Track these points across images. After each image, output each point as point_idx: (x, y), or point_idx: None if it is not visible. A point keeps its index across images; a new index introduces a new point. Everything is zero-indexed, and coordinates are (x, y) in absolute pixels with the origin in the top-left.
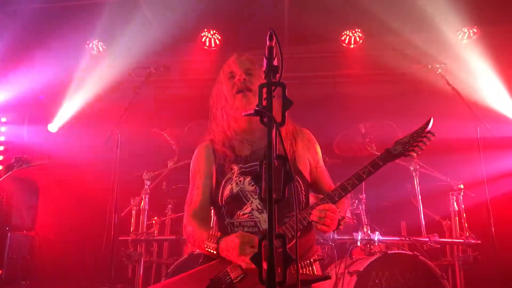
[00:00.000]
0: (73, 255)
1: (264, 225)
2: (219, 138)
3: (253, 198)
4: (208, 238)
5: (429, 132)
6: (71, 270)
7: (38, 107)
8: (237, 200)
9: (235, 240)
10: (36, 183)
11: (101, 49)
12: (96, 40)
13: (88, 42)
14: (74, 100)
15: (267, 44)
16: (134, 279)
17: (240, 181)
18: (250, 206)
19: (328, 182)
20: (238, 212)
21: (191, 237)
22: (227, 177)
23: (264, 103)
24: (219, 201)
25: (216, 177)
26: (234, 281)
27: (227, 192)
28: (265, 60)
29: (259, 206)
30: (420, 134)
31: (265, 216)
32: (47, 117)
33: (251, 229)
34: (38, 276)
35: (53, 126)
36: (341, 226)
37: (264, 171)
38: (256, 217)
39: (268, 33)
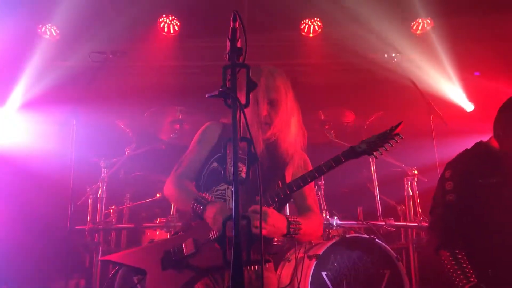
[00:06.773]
0: (27, 246)
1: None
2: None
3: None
4: (197, 199)
5: (397, 134)
6: (26, 262)
7: None
8: (218, 175)
9: (213, 210)
10: None
11: (54, 34)
12: (49, 24)
13: (40, 26)
14: (26, 85)
15: (231, 25)
16: (92, 269)
17: (229, 162)
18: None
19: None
20: (214, 187)
21: (177, 193)
22: (220, 155)
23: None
24: (203, 172)
25: (209, 153)
26: (185, 256)
27: (214, 165)
28: (228, 42)
29: None
30: (388, 135)
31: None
32: None
33: None
34: None
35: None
36: (297, 234)
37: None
38: (227, 196)
39: (232, 14)
